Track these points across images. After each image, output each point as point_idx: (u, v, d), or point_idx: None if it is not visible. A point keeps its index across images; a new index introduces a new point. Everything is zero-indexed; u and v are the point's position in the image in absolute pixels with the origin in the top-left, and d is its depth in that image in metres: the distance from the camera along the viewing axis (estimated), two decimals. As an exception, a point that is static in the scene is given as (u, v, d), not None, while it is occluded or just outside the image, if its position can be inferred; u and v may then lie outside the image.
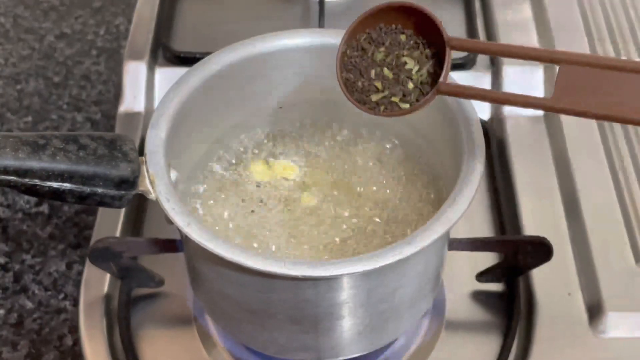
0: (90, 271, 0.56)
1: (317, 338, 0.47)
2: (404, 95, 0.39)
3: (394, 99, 0.39)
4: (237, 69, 0.49)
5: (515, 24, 0.74)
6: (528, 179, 0.62)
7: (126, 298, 0.56)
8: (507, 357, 0.53)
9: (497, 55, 0.37)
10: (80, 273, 0.61)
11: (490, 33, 0.74)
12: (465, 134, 0.44)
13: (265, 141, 0.55)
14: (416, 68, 0.39)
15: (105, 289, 0.56)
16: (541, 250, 0.51)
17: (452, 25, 0.75)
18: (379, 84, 0.40)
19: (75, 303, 0.59)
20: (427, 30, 0.38)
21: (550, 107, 0.34)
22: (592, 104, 0.33)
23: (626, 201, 0.60)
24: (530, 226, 0.59)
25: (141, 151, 0.43)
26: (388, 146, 0.54)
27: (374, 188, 0.52)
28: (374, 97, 0.40)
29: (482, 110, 0.67)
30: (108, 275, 0.56)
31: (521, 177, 0.62)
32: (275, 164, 0.54)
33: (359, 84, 0.40)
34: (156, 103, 0.65)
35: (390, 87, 0.39)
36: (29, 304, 0.60)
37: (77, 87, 0.76)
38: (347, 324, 0.46)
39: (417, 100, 0.39)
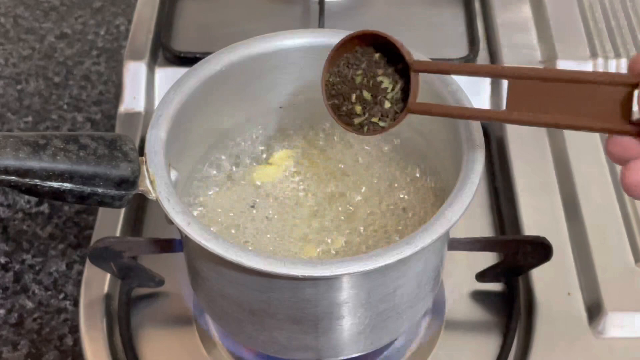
0: (90, 271, 0.56)
1: (317, 338, 0.47)
2: (382, 115, 0.42)
3: (373, 119, 0.42)
4: (237, 69, 0.49)
5: (515, 24, 0.74)
6: (528, 179, 0.62)
7: (126, 298, 0.56)
8: (506, 357, 0.53)
9: (453, 74, 0.40)
10: (80, 273, 0.61)
11: (490, 33, 0.74)
12: (465, 134, 0.44)
13: (265, 141, 0.55)
14: (390, 87, 0.41)
15: (105, 289, 0.56)
16: (541, 250, 0.51)
17: (452, 25, 0.75)
18: (358, 108, 0.42)
19: (76, 303, 0.59)
20: (398, 53, 0.41)
21: (505, 119, 0.37)
22: (540, 114, 0.35)
23: (626, 201, 0.60)
24: (530, 226, 0.59)
25: (141, 151, 0.43)
26: (388, 146, 0.54)
27: (374, 188, 0.52)
28: (356, 120, 0.43)
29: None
30: (108, 275, 0.56)
31: (521, 177, 0.62)
32: (274, 163, 0.54)
33: (344, 108, 0.43)
34: (156, 103, 0.65)
35: (369, 109, 0.42)
36: (29, 304, 0.60)
37: (77, 87, 0.77)
38: (347, 324, 0.46)
39: (394, 119, 0.42)
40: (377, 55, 0.41)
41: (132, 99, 0.68)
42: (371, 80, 0.42)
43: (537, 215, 0.60)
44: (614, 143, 0.34)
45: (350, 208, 0.51)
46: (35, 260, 0.63)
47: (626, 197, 0.60)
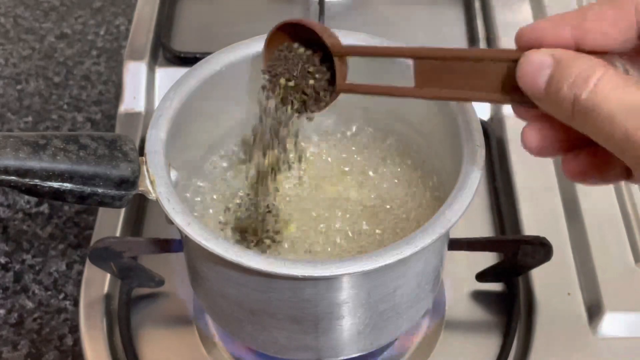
0: (90, 271, 0.57)
1: (317, 338, 0.47)
2: (316, 101, 0.44)
3: (312, 108, 0.45)
4: (237, 69, 0.49)
5: (515, 24, 0.74)
6: (528, 178, 0.62)
7: (126, 298, 0.56)
8: (506, 357, 0.53)
9: (369, 56, 0.44)
10: (80, 273, 0.61)
11: (490, 33, 0.74)
12: (465, 134, 0.44)
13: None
14: (316, 83, 0.44)
15: (106, 289, 0.56)
16: (541, 250, 0.51)
17: (452, 25, 0.75)
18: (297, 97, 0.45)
19: (76, 303, 0.59)
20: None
21: (414, 95, 0.40)
22: (444, 89, 0.38)
23: (626, 201, 0.60)
24: (530, 226, 0.59)
25: (141, 151, 0.43)
26: (387, 146, 0.54)
27: (374, 188, 0.52)
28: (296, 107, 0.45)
29: (482, 110, 0.67)
30: (108, 275, 0.56)
31: (521, 177, 0.62)
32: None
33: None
34: (156, 103, 0.65)
35: (307, 102, 0.45)
36: (29, 304, 0.60)
37: (77, 87, 0.77)
38: (347, 324, 0.46)
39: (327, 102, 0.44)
40: (301, 50, 0.44)
41: (132, 99, 0.68)
42: (301, 73, 0.44)
43: (537, 215, 0.60)
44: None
45: (350, 208, 0.51)
46: (35, 260, 0.63)
47: (626, 197, 0.60)
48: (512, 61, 0.35)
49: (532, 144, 0.37)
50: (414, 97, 0.40)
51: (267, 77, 0.45)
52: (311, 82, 0.44)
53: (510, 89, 0.36)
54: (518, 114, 0.38)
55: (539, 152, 0.38)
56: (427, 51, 0.38)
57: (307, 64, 0.44)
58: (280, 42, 0.45)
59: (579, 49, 0.34)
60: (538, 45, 0.34)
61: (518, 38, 0.36)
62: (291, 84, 0.44)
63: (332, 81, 0.44)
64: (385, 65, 0.45)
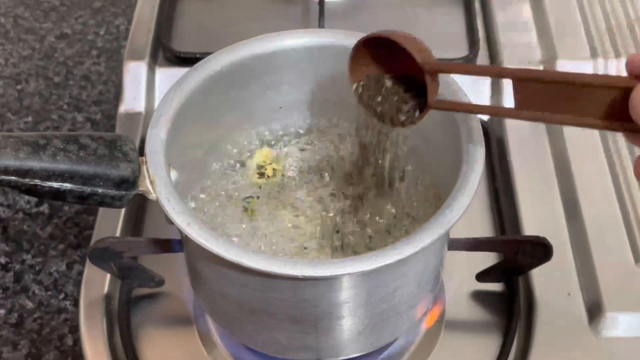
0: (90, 271, 0.56)
1: (317, 338, 0.47)
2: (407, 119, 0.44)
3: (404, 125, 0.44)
4: (237, 69, 0.49)
5: (515, 24, 0.74)
6: (528, 179, 0.62)
7: (126, 298, 0.56)
8: (506, 357, 0.53)
9: (465, 75, 0.42)
10: (80, 273, 0.61)
11: (490, 33, 0.74)
12: (465, 134, 0.44)
13: (265, 141, 0.55)
14: (404, 114, 0.43)
15: (106, 289, 0.56)
16: (541, 250, 0.51)
17: (452, 25, 0.75)
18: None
19: (76, 303, 0.59)
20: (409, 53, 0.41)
21: (512, 116, 0.38)
22: (547, 113, 0.37)
23: (626, 201, 0.60)
24: (530, 226, 0.59)
25: (141, 151, 0.43)
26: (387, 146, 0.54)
27: (374, 188, 0.52)
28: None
29: (482, 110, 0.67)
30: (108, 275, 0.56)
31: (521, 177, 0.62)
32: (274, 162, 0.54)
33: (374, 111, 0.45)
34: (156, 103, 0.65)
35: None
36: (30, 304, 0.60)
37: (77, 87, 0.77)
38: (347, 324, 0.46)
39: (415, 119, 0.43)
40: (389, 83, 0.43)
41: (132, 99, 0.68)
42: (390, 106, 0.44)
43: (537, 215, 0.60)
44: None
45: (350, 207, 0.51)
46: (35, 261, 0.63)
47: (626, 197, 0.60)
48: (622, 89, 0.34)
49: None
50: (513, 118, 0.39)
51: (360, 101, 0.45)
52: (401, 118, 0.43)
53: (620, 116, 0.34)
54: (630, 140, 0.36)
55: None
56: (529, 73, 0.37)
57: (395, 97, 0.43)
58: (365, 54, 0.43)
59: None
60: None
61: (630, 66, 0.34)
62: (380, 111, 0.44)
63: (421, 96, 0.42)
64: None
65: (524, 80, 0.37)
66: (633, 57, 0.34)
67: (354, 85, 0.45)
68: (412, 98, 0.43)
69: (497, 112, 0.39)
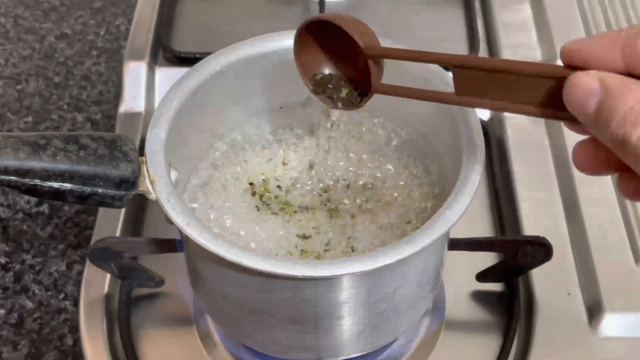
0: (90, 271, 0.57)
1: (317, 338, 0.47)
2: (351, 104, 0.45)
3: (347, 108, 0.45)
4: (237, 69, 0.49)
5: (515, 24, 0.74)
6: (528, 179, 0.62)
7: (126, 298, 0.56)
8: (506, 357, 0.53)
9: (403, 60, 0.42)
10: (80, 273, 0.61)
11: (490, 33, 0.74)
12: (465, 134, 0.44)
13: (265, 141, 0.55)
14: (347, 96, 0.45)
15: (106, 289, 0.56)
16: (541, 250, 0.51)
17: (452, 25, 0.75)
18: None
19: (76, 303, 0.59)
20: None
21: (451, 101, 0.39)
22: (486, 99, 0.37)
23: (626, 201, 0.60)
24: (530, 226, 0.59)
25: (141, 151, 0.43)
26: (388, 146, 0.54)
27: (374, 187, 0.52)
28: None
29: (482, 110, 0.67)
30: (108, 275, 0.56)
31: (521, 177, 0.62)
32: (275, 163, 0.54)
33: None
34: (156, 103, 0.65)
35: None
36: (29, 304, 0.60)
37: (77, 87, 0.77)
38: (347, 324, 0.46)
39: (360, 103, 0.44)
40: (335, 75, 0.45)
41: (132, 99, 0.68)
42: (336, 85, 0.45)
43: (537, 215, 0.60)
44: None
45: (350, 207, 0.51)
46: (35, 261, 0.63)
47: (626, 197, 0.60)
48: (557, 78, 0.33)
49: (582, 164, 0.35)
50: (452, 103, 0.39)
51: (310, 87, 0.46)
52: (343, 94, 0.44)
53: (557, 105, 0.34)
54: (571, 128, 0.35)
55: (592, 172, 0.35)
56: (467, 60, 0.37)
57: (336, 85, 0.44)
58: (310, 39, 0.43)
59: (631, 74, 0.31)
60: (585, 66, 0.32)
61: (565, 55, 0.33)
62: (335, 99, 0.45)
63: (366, 81, 0.42)
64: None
65: (461, 67, 0.37)
66: (567, 45, 0.33)
67: (305, 82, 0.45)
68: (359, 83, 0.44)
69: (438, 96, 0.39)
